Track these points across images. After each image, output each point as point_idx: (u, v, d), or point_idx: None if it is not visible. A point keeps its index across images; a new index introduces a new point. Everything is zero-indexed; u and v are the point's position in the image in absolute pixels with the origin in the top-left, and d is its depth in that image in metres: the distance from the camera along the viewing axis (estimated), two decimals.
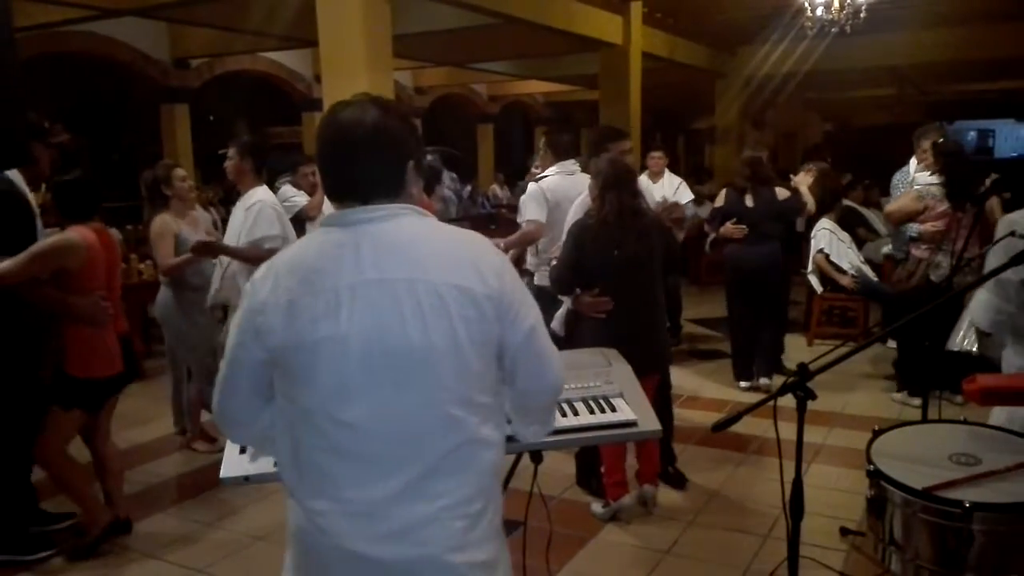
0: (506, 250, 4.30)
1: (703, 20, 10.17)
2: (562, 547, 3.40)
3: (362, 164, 1.54)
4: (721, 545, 3.58)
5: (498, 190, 15.26)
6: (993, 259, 2.61)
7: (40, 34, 8.13)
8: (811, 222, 6.58)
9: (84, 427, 3.64)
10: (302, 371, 1.48)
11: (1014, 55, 10.37)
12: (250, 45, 10.09)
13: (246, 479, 1.92)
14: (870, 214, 8.01)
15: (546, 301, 3.61)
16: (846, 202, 7.51)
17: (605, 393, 2.26)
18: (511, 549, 1.67)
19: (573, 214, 3.96)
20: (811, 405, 2.10)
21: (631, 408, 2.20)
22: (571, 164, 4.55)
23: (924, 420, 3.39)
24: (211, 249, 4.37)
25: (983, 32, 10.08)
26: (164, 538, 3.75)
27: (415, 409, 1.48)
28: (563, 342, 3.66)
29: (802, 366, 2.10)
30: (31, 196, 3.66)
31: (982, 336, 2.78)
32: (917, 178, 5.58)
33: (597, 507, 3.86)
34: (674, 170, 7.67)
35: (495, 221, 11.71)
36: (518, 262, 4.58)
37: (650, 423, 2.18)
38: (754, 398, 2.22)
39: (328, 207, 6.14)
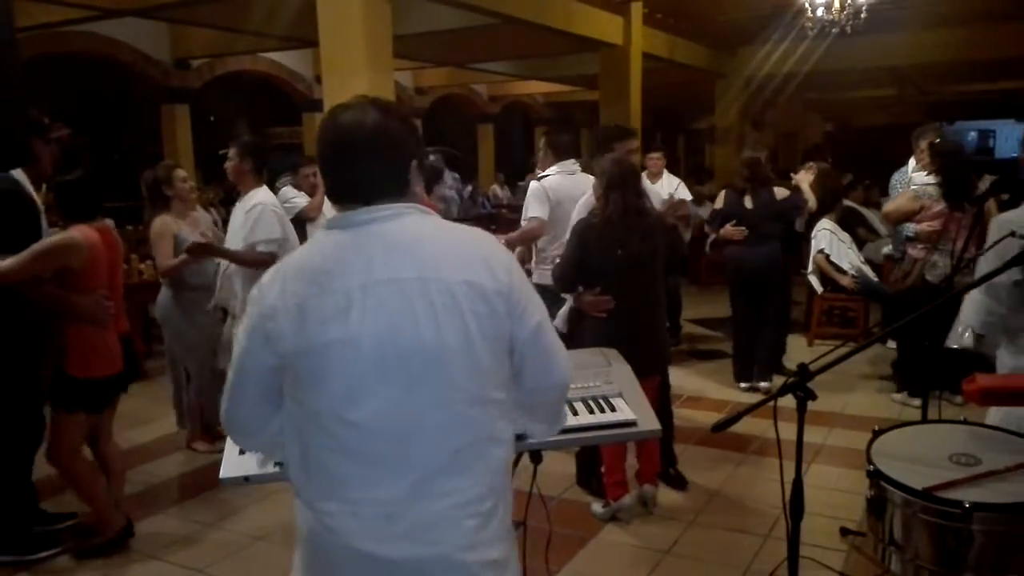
0: (508, 247, 4.31)
1: (703, 20, 10.17)
2: (562, 547, 3.40)
3: (364, 166, 1.54)
4: (721, 545, 3.58)
5: (498, 190, 15.28)
6: (985, 263, 2.61)
7: (41, 34, 8.14)
8: (811, 222, 6.58)
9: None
10: (312, 373, 1.48)
11: (1014, 55, 10.37)
12: (251, 45, 10.10)
13: (246, 479, 1.92)
14: (870, 214, 8.01)
15: (546, 299, 3.61)
16: (846, 202, 7.51)
17: (605, 393, 2.26)
18: None
19: (577, 213, 3.97)
20: (811, 405, 2.10)
21: (631, 408, 2.20)
22: (571, 164, 4.57)
23: (924, 420, 3.39)
24: (206, 250, 4.37)
25: (983, 32, 10.08)
26: (165, 538, 3.75)
27: (427, 407, 1.48)
28: (565, 340, 3.66)
29: (802, 366, 2.10)
30: (35, 194, 3.65)
31: (977, 335, 2.78)
32: (914, 178, 5.60)
33: (597, 507, 3.86)
34: (674, 171, 7.68)
35: (495, 221, 11.72)
36: (522, 260, 4.59)
37: (649, 423, 2.19)
38: (754, 398, 2.23)
39: (328, 208, 6.17)
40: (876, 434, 2.50)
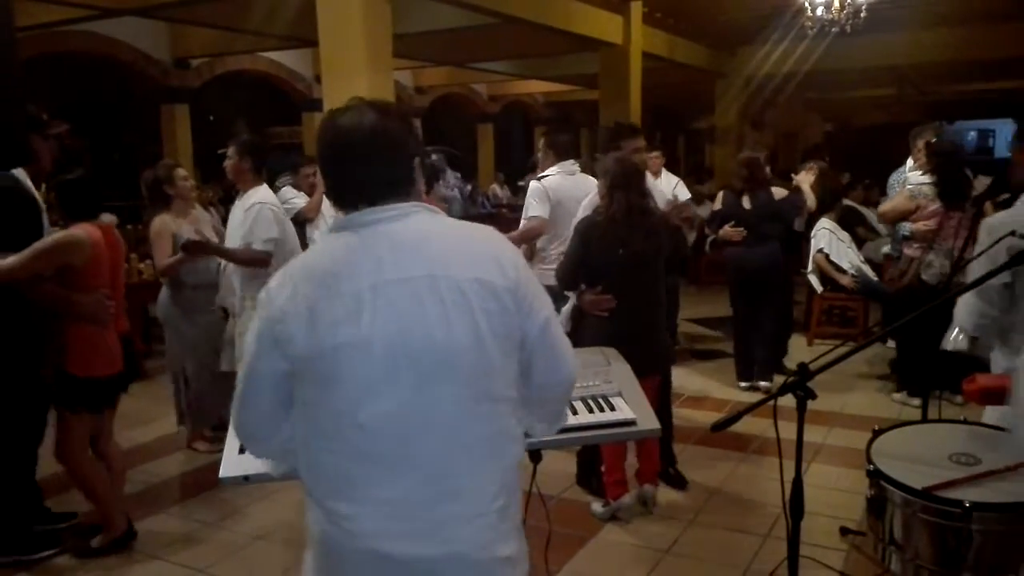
0: None
1: (703, 20, 10.17)
2: (562, 547, 3.40)
3: (366, 167, 1.54)
4: (721, 545, 3.58)
5: (498, 190, 15.27)
6: (978, 266, 2.60)
7: (41, 33, 8.14)
8: (811, 221, 6.59)
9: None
10: (323, 376, 1.47)
11: (1014, 55, 10.37)
12: (250, 45, 10.10)
13: (246, 479, 1.92)
14: (870, 213, 8.01)
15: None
16: (846, 202, 7.51)
17: (604, 392, 2.26)
18: None
19: (582, 212, 3.98)
20: (811, 405, 2.11)
21: (630, 407, 2.20)
22: (571, 164, 4.59)
23: (924, 420, 3.39)
24: (201, 248, 4.36)
25: (983, 32, 10.08)
26: (166, 538, 3.75)
27: (439, 406, 1.48)
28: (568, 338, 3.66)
29: (802, 366, 2.10)
30: (36, 192, 3.65)
31: (971, 338, 2.78)
32: (910, 177, 5.61)
33: (597, 506, 3.86)
34: (674, 170, 7.67)
35: (495, 221, 11.71)
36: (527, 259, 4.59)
37: (649, 422, 2.18)
38: (754, 398, 2.23)
39: (328, 208, 6.16)
40: (876, 434, 2.50)
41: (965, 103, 17.40)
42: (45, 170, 3.75)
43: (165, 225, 4.51)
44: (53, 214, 3.83)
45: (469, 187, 13.48)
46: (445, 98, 15.62)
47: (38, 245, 3.29)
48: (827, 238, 6.63)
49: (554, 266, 3.98)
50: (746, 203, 5.61)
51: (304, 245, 5.36)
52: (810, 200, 6.23)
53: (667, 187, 6.92)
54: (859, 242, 7.28)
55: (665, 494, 4.02)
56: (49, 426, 3.67)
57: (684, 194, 7.01)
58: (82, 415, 3.48)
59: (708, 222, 6.16)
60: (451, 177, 8.76)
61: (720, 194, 6.01)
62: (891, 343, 5.92)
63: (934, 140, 5.32)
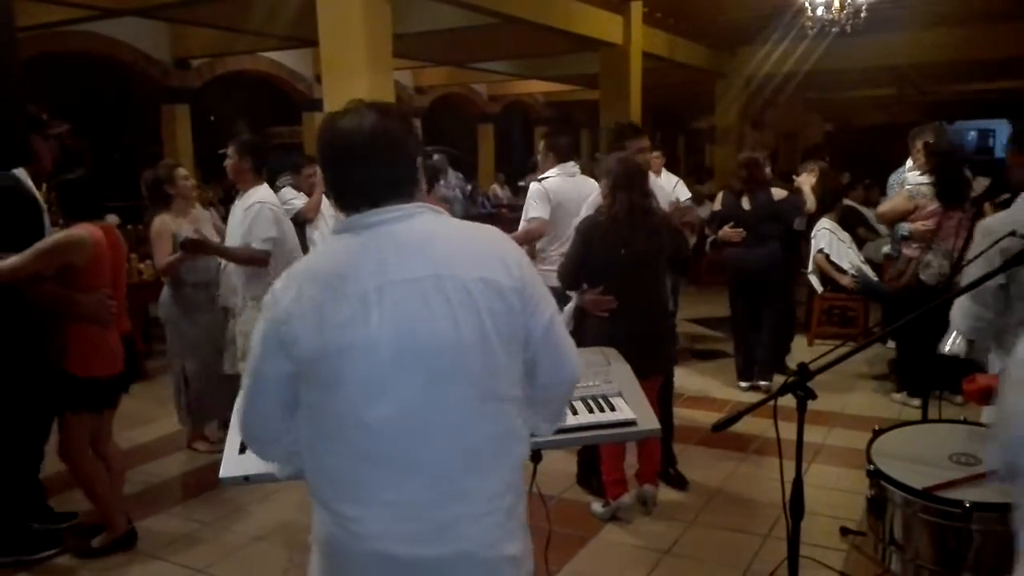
0: None
1: (703, 20, 10.17)
2: (562, 547, 3.40)
3: (367, 169, 1.54)
4: (721, 545, 3.58)
5: (498, 190, 15.26)
6: (974, 269, 2.60)
7: (41, 34, 8.14)
8: (811, 222, 6.59)
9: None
10: (330, 377, 1.47)
11: (1014, 55, 10.37)
12: (251, 45, 10.10)
13: (246, 479, 1.92)
14: (870, 214, 8.01)
15: None
16: (846, 202, 7.51)
17: (604, 392, 2.27)
18: None
19: (585, 212, 3.98)
20: (811, 405, 2.11)
21: (630, 407, 2.20)
22: (571, 166, 4.61)
23: (924, 420, 3.39)
24: (199, 247, 4.35)
25: (983, 32, 10.08)
26: (166, 538, 3.75)
27: (445, 406, 1.48)
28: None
29: (802, 366, 2.11)
30: (37, 192, 3.65)
31: (968, 342, 2.78)
32: (908, 178, 5.61)
33: (597, 507, 3.86)
34: (674, 170, 7.67)
35: (495, 221, 11.69)
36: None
37: (649, 422, 2.18)
38: (754, 398, 2.23)
39: (328, 208, 6.14)
40: (876, 434, 2.51)
41: (965, 103, 17.41)
42: (46, 170, 3.74)
43: (165, 225, 4.51)
44: (54, 214, 3.83)
45: (469, 187, 13.47)
46: (445, 98, 15.62)
47: (39, 245, 3.29)
48: (827, 238, 6.62)
49: (555, 267, 3.98)
50: (745, 204, 5.61)
51: (304, 246, 5.36)
52: (810, 202, 6.23)
53: (667, 187, 6.93)
54: (859, 242, 7.28)
55: (665, 494, 4.02)
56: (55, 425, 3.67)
57: (684, 194, 7.02)
58: (83, 415, 3.48)
59: (708, 222, 6.16)
60: (453, 177, 8.74)
61: (720, 195, 6.02)
62: (891, 343, 5.92)
63: (932, 140, 5.32)
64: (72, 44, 9.19)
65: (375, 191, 1.54)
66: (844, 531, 3.49)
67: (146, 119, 10.94)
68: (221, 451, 2.02)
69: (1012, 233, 2.55)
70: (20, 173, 3.51)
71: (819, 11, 7.84)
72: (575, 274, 3.78)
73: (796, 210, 5.86)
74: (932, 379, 4.15)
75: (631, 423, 2.16)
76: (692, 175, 11.81)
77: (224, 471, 1.94)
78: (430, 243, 1.52)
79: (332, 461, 1.51)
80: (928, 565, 2.18)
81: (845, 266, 6.56)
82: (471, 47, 10.33)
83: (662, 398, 3.97)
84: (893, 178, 6.14)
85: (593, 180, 4.76)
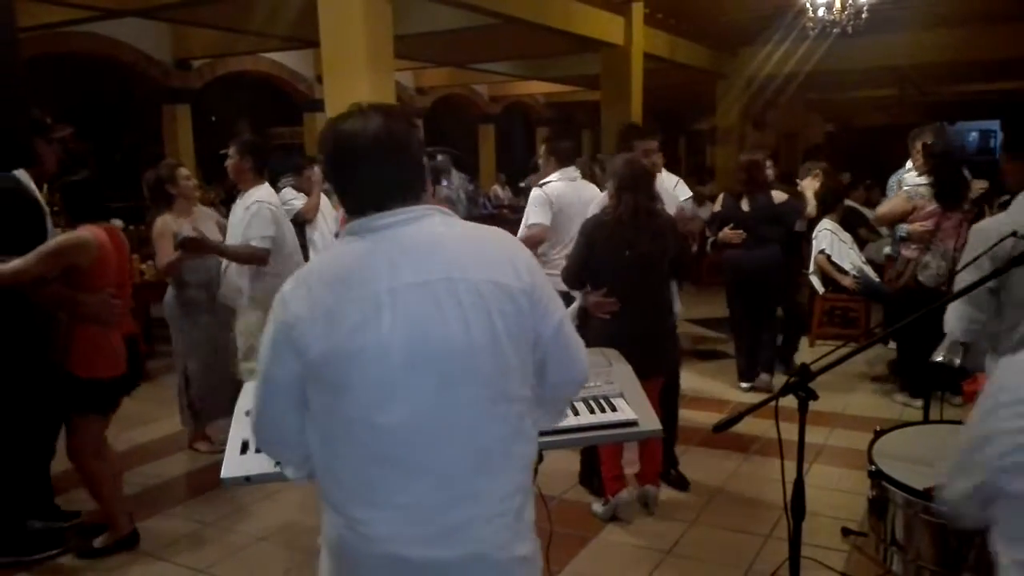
0: None
1: (704, 21, 10.17)
2: (563, 547, 3.40)
3: (372, 171, 1.54)
4: (722, 545, 3.58)
5: (499, 191, 15.27)
6: (968, 274, 2.60)
7: (43, 34, 8.15)
8: (812, 223, 6.59)
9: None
10: (341, 380, 1.47)
11: (1014, 56, 10.37)
12: (252, 46, 10.11)
13: (247, 479, 1.92)
14: (872, 214, 8.01)
15: None
16: (848, 202, 7.50)
17: (605, 393, 2.27)
18: None
19: (592, 212, 3.98)
20: (813, 406, 2.10)
21: (631, 408, 2.21)
22: (572, 171, 4.64)
23: (925, 421, 3.39)
24: (199, 246, 4.35)
25: (984, 33, 10.08)
26: (167, 538, 3.76)
27: (457, 408, 1.48)
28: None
29: (804, 367, 2.10)
30: (39, 195, 3.64)
31: (963, 348, 2.77)
32: (906, 179, 5.61)
33: (597, 506, 3.87)
34: (675, 171, 7.65)
35: (496, 222, 11.69)
36: None
37: (650, 423, 2.19)
38: (756, 398, 2.22)
39: (327, 208, 6.13)
40: (877, 434, 2.50)
41: (966, 104, 17.40)
42: (48, 172, 3.73)
43: (167, 225, 4.51)
44: (57, 216, 3.82)
45: (472, 187, 13.48)
46: (446, 99, 15.63)
47: (43, 248, 3.28)
48: (829, 239, 6.62)
49: (557, 271, 3.98)
50: (745, 206, 5.61)
51: (303, 246, 5.36)
52: (810, 206, 6.23)
53: (668, 185, 6.93)
54: (861, 243, 7.28)
55: (667, 494, 4.03)
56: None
57: (685, 193, 7.00)
58: (88, 417, 3.48)
59: (708, 223, 6.17)
60: (457, 178, 8.77)
61: (720, 196, 6.03)
62: (892, 344, 5.92)
63: (930, 142, 5.32)
64: (73, 45, 9.20)
65: (383, 194, 1.54)
66: (845, 532, 3.49)
67: (147, 119, 10.95)
68: (223, 451, 2.02)
69: (1013, 234, 2.55)
70: (22, 175, 3.50)
71: (820, 12, 7.84)
72: (578, 274, 3.78)
73: (796, 214, 5.86)
74: (933, 380, 4.14)
75: (632, 423, 2.17)
76: (693, 176, 11.81)
77: (226, 471, 1.94)
78: (440, 246, 1.52)
79: (342, 464, 1.51)
80: (929, 566, 2.17)
81: (846, 267, 6.56)
82: (472, 48, 10.33)
83: (667, 400, 3.98)
84: (893, 179, 6.15)
85: (593, 184, 4.78)
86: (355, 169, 1.55)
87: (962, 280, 2.54)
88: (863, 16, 7.76)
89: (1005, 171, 2.85)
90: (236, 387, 2.39)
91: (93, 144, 9.50)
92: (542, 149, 4.94)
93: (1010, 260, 2.33)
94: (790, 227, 5.87)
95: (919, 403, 4.84)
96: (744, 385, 5.78)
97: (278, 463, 1.81)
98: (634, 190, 3.64)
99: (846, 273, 6.53)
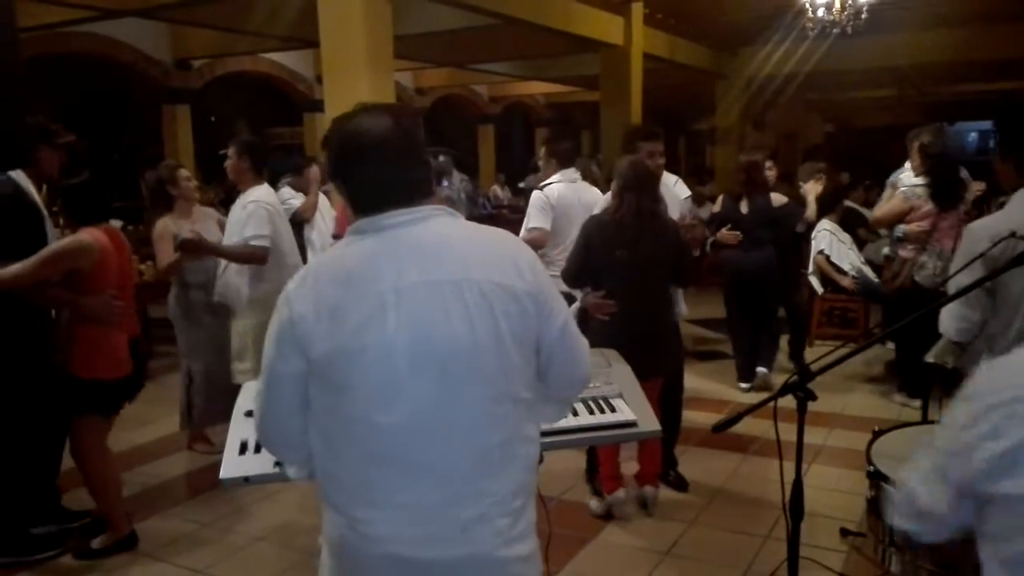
0: None
1: (704, 21, 10.18)
2: (562, 547, 3.40)
3: (383, 171, 1.53)
4: (721, 546, 3.58)
5: (499, 191, 15.28)
6: (964, 276, 2.60)
7: (43, 34, 8.15)
8: (812, 224, 6.59)
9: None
10: (344, 379, 1.46)
11: (1014, 56, 10.38)
12: (251, 46, 10.12)
13: (246, 480, 1.92)
14: (871, 215, 8.01)
15: None
16: (847, 203, 7.51)
17: (605, 394, 2.27)
18: None
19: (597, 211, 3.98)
20: (811, 406, 2.10)
21: (631, 408, 2.21)
22: (572, 172, 4.65)
23: (924, 421, 3.39)
24: (196, 247, 4.34)
25: (983, 33, 10.09)
26: (166, 539, 3.75)
27: (460, 408, 1.48)
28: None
29: (803, 367, 2.11)
30: (38, 198, 3.62)
31: (958, 349, 2.77)
32: (902, 179, 5.61)
33: (593, 503, 3.87)
34: (674, 171, 7.65)
35: (496, 222, 11.69)
36: None
37: (649, 423, 2.19)
38: (755, 399, 2.22)
39: (325, 208, 6.10)
40: (876, 435, 2.50)
41: (966, 104, 17.42)
42: (46, 174, 3.70)
43: (166, 228, 4.50)
44: (55, 216, 3.81)
45: (471, 188, 13.48)
46: (446, 99, 15.64)
47: (44, 252, 3.27)
48: (828, 239, 6.62)
49: (558, 271, 3.99)
50: (743, 207, 5.62)
51: (301, 246, 5.35)
52: (810, 210, 6.23)
53: (667, 185, 6.93)
54: (860, 243, 7.28)
55: (666, 495, 4.02)
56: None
57: (683, 192, 7.00)
58: (90, 418, 3.48)
59: (707, 224, 6.17)
60: (458, 179, 8.76)
61: (720, 197, 6.04)
62: (890, 344, 5.93)
63: (927, 142, 5.33)
64: (73, 45, 9.21)
65: (391, 193, 1.53)
66: (844, 532, 3.49)
67: (147, 120, 10.96)
68: (221, 452, 2.02)
69: (1012, 234, 2.55)
70: (20, 178, 3.46)
71: (820, 12, 7.85)
72: (578, 274, 3.78)
73: (794, 217, 5.86)
74: (931, 380, 4.14)
75: (631, 424, 2.17)
76: (693, 176, 11.81)
77: (224, 472, 1.94)
78: (446, 246, 1.52)
79: (343, 464, 1.51)
80: (927, 566, 2.17)
81: (845, 267, 6.56)
82: (472, 48, 10.34)
83: (671, 401, 3.98)
84: (890, 179, 6.14)
85: (593, 186, 4.78)
86: (364, 168, 1.54)
87: (956, 282, 2.54)
88: (863, 16, 7.77)
89: (998, 172, 2.85)
90: (237, 389, 2.38)
91: (91, 144, 9.50)
92: (542, 151, 4.95)
93: (1010, 260, 2.33)
94: (790, 230, 5.87)
95: (917, 403, 4.85)
96: (743, 385, 5.78)
97: (278, 463, 1.81)
98: (638, 191, 3.64)
99: (845, 274, 6.53)
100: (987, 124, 19.90)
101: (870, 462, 2.32)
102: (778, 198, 5.66)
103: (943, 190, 4.99)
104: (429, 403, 1.46)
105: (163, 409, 5.15)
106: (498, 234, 1.64)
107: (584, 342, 1.73)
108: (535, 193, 4.60)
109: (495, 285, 1.50)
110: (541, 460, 2.09)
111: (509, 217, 11.60)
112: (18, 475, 3.56)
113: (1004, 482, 1.21)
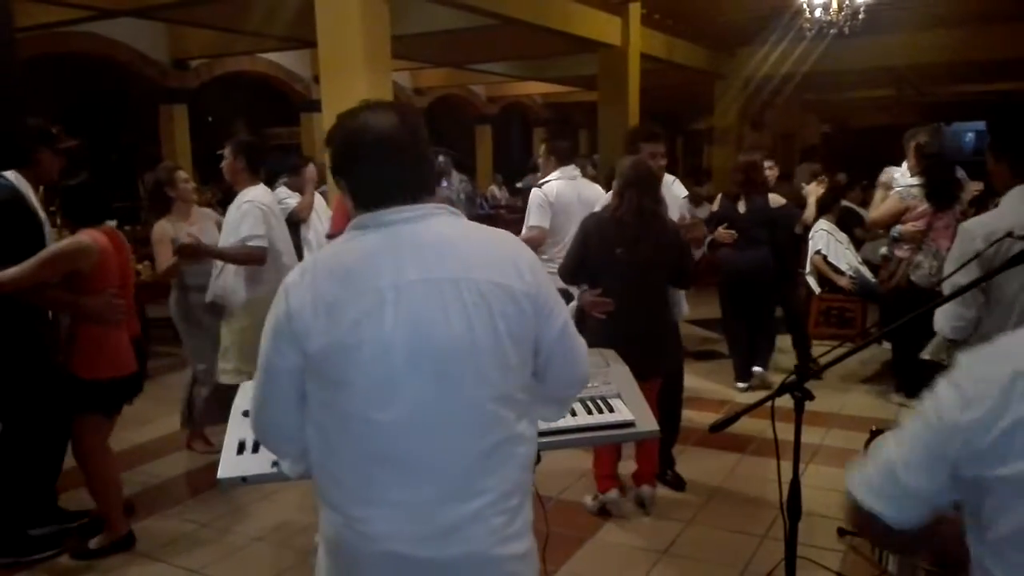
0: None
1: (702, 21, 10.18)
2: (560, 547, 3.41)
3: (387, 167, 1.53)
4: (719, 545, 3.59)
5: (496, 191, 15.27)
6: (961, 276, 2.60)
7: (40, 34, 8.14)
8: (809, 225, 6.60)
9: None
10: (340, 375, 1.46)
11: (1012, 56, 10.39)
12: (249, 46, 10.10)
13: (244, 479, 1.92)
14: (868, 215, 8.02)
15: None
16: (844, 203, 7.52)
17: (603, 394, 2.27)
18: None
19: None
20: (809, 406, 2.11)
21: (629, 409, 2.21)
22: (571, 169, 4.65)
23: None
24: (194, 252, 4.33)
25: (981, 33, 10.10)
26: (164, 538, 3.75)
27: (457, 407, 1.48)
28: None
29: (800, 366, 2.11)
30: (36, 200, 3.61)
31: (953, 348, 2.77)
32: (898, 179, 5.62)
33: (587, 499, 3.89)
34: (672, 171, 7.65)
35: (494, 222, 11.69)
36: None
37: (647, 424, 2.19)
38: (752, 398, 2.22)
39: (321, 207, 6.09)
40: (874, 434, 2.51)
41: (963, 104, 17.42)
42: (45, 176, 3.69)
43: (165, 231, 4.49)
44: (53, 216, 3.80)
45: (470, 188, 13.47)
46: (444, 99, 15.63)
47: (43, 253, 3.27)
48: (825, 239, 6.63)
49: (555, 268, 3.99)
50: (741, 207, 5.63)
51: (298, 245, 5.34)
52: (808, 212, 6.24)
53: (666, 182, 6.93)
54: (857, 243, 7.29)
55: (663, 494, 4.03)
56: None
57: (681, 191, 7.01)
58: (91, 417, 3.47)
59: (705, 223, 6.18)
60: (457, 180, 8.77)
61: (719, 197, 6.05)
62: (887, 344, 5.94)
63: (923, 143, 5.34)
64: (71, 45, 9.19)
65: (394, 190, 1.54)
66: (841, 532, 3.50)
67: (144, 120, 10.94)
68: (219, 452, 2.02)
69: (1009, 234, 2.55)
70: (19, 182, 3.45)
71: (817, 12, 7.85)
72: (575, 270, 3.78)
73: (791, 219, 5.87)
74: (927, 380, 4.15)
75: (630, 424, 2.17)
76: (690, 176, 11.82)
77: (222, 472, 1.94)
78: (447, 245, 1.52)
79: (339, 461, 1.51)
80: (924, 566, 2.18)
81: (843, 267, 6.57)
82: (469, 48, 10.33)
83: (670, 401, 3.99)
84: (882, 177, 6.14)
85: (596, 184, 4.79)
86: (367, 163, 1.54)
87: (952, 281, 2.55)
88: (860, 17, 7.77)
89: (992, 172, 2.86)
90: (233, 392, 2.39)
91: (89, 144, 9.49)
92: (542, 149, 4.95)
93: (1006, 261, 2.33)
94: (787, 231, 5.87)
95: (915, 403, 4.85)
96: (741, 385, 5.79)
97: (275, 463, 1.81)
98: (639, 190, 3.64)
99: (842, 273, 6.54)
100: (984, 124, 19.95)
101: None
102: (776, 199, 5.67)
103: (939, 190, 5.01)
104: (426, 401, 1.46)
105: (162, 409, 5.15)
106: (499, 234, 1.65)
107: (583, 342, 1.74)
108: (534, 191, 4.61)
109: (494, 285, 1.50)
110: (539, 460, 2.10)
111: (507, 217, 11.61)
112: (19, 476, 3.55)
113: (1000, 467, 1.20)
